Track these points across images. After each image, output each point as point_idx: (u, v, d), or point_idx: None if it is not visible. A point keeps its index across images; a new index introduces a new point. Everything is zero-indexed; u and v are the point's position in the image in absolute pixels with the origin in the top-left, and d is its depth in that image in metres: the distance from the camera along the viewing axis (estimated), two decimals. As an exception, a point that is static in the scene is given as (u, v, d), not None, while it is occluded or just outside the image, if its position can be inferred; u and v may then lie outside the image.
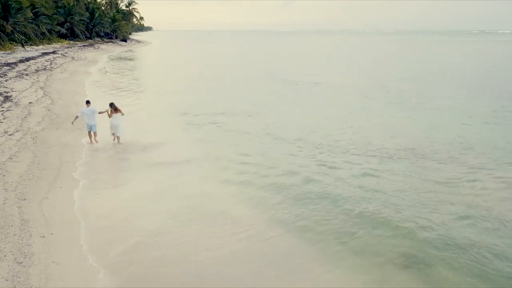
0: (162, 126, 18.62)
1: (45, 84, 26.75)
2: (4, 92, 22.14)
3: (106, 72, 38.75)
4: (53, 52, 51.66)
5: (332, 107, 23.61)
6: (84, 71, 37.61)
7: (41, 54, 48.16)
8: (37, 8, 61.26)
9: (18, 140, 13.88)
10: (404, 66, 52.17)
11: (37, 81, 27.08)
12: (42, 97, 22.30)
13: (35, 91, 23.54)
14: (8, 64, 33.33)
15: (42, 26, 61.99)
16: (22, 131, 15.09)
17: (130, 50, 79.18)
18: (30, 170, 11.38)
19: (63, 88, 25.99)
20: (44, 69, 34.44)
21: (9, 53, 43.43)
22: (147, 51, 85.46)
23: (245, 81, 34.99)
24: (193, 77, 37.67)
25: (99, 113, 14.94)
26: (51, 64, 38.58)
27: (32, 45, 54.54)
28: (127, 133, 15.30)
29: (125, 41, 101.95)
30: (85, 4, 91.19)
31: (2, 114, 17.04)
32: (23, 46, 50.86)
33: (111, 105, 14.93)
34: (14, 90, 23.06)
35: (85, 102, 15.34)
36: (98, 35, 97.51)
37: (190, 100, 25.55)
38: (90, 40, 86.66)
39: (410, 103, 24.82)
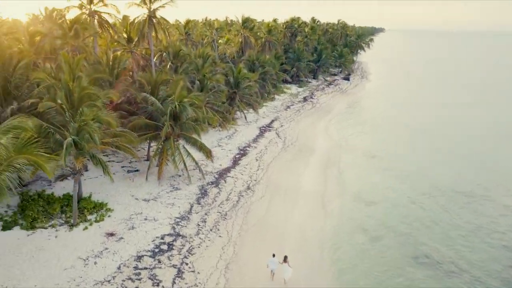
0: None
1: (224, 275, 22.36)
2: None
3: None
4: (269, 126, 51.70)
5: None
6: (283, 200, 32.21)
7: (258, 132, 48.55)
8: (265, 68, 63.39)
9: None
10: None
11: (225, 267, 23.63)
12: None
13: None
14: (204, 191, 32.15)
15: (268, 86, 64.07)
16: None
17: (353, 103, 73.80)
18: None
19: None
20: (241, 202, 31.40)
21: (228, 137, 45.06)
22: (373, 100, 78.50)
23: None
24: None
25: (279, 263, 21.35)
26: (256, 177, 35.62)
27: (254, 109, 55.71)
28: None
29: (348, 79, 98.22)
30: (314, 46, 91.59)
31: None
32: (245, 118, 52.88)
33: (285, 258, 21.22)
34: None
35: (272, 255, 21.67)
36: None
37: None
38: (312, 84, 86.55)
39: None
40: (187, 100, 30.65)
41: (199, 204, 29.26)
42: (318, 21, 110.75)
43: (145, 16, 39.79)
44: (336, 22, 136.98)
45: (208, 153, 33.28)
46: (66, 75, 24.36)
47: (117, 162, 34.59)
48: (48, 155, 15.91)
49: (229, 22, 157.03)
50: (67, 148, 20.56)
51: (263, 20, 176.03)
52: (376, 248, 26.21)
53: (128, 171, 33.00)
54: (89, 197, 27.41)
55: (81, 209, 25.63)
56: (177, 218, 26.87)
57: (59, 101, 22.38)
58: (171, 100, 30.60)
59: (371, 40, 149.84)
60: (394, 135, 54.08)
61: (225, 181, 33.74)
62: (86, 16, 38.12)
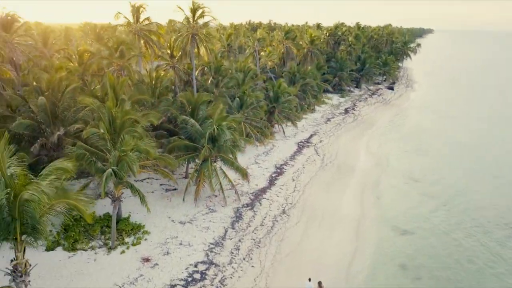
0: None
1: None
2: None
3: None
4: (308, 141, 50.99)
5: None
6: (318, 226, 32.41)
7: (296, 148, 48.02)
8: (306, 79, 62.57)
9: None
10: None
11: None
12: None
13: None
14: (239, 214, 31.89)
15: (308, 97, 63.24)
16: None
17: (397, 116, 71.21)
18: None
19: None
20: (276, 228, 31.89)
21: (265, 154, 44.85)
22: (418, 113, 75.33)
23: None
24: None
25: None
26: (292, 199, 35.61)
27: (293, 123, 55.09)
28: None
29: (392, 88, 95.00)
30: (357, 55, 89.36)
31: None
32: (283, 132, 52.46)
33: (319, 283, 22.14)
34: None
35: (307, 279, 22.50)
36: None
37: None
38: (354, 93, 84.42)
39: None
40: (225, 123, 30.75)
41: (234, 229, 29.25)
42: (362, 28, 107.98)
43: (188, 34, 40.36)
44: (382, 26, 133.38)
45: (244, 175, 33.28)
46: (110, 102, 25.11)
47: (156, 179, 35.30)
48: (87, 199, 16.44)
49: (273, 25, 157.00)
50: (107, 179, 21.16)
51: (306, 23, 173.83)
52: (410, 284, 25.15)
53: (166, 190, 33.63)
54: (128, 217, 28.16)
55: (119, 231, 26.38)
56: (211, 244, 26.98)
57: (101, 130, 23.08)
58: (210, 123, 30.81)
59: (418, 45, 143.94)
60: (439, 154, 51.46)
61: (260, 203, 33.55)
62: (132, 35, 39.30)
